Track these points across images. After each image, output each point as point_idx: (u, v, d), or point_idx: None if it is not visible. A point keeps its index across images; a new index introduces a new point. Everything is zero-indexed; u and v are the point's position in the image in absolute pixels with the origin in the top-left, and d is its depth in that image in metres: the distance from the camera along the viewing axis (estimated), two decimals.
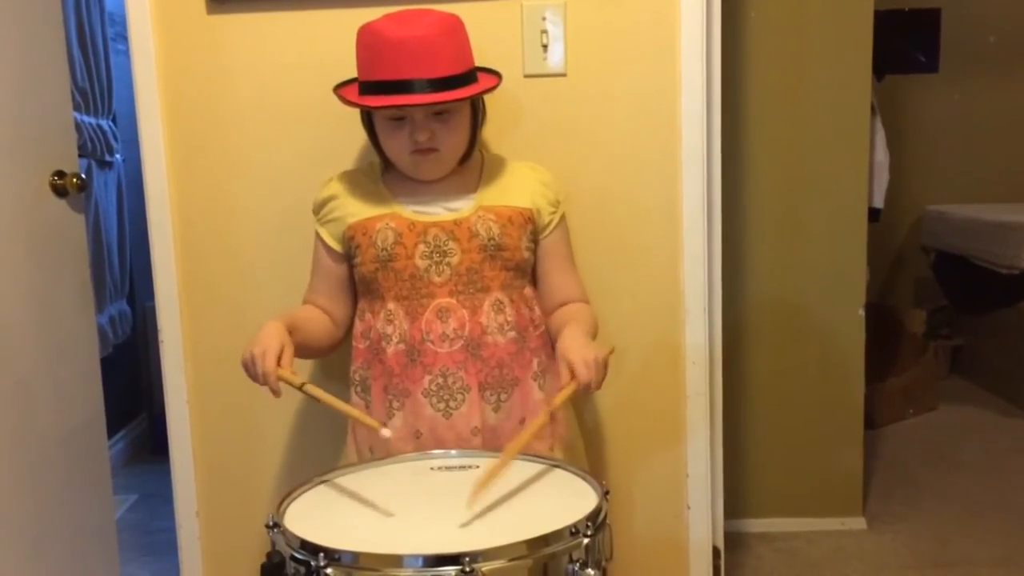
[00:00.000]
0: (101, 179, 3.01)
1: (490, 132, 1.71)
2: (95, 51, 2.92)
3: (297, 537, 1.09)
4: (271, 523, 1.14)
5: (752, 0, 2.44)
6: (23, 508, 1.73)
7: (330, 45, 1.74)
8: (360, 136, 1.74)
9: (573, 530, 1.09)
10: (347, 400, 1.56)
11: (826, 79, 2.47)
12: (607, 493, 1.19)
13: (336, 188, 1.56)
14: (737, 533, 2.54)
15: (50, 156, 1.84)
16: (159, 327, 1.82)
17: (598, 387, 1.36)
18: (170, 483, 1.86)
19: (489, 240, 1.48)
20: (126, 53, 1.78)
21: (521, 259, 1.52)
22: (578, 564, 1.08)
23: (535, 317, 1.55)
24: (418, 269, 1.47)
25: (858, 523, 2.61)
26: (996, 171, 4.10)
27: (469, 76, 1.46)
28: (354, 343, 1.55)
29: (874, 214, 2.71)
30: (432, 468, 1.35)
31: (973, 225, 3.70)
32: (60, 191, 1.84)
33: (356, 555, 1.05)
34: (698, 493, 1.82)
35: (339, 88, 1.51)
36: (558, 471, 1.31)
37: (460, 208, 1.51)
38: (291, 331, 1.41)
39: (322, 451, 1.81)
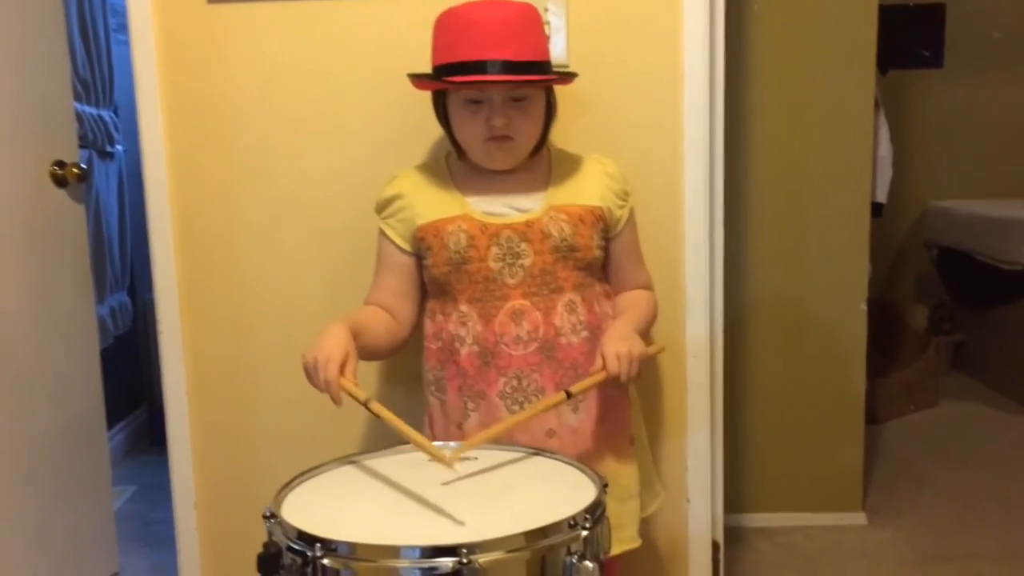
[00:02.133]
0: (102, 170, 3.00)
1: None
2: (96, 41, 2.91)
3: (294, 527, 1.09)
4: (268, 513, 1.14)
5: None
6: (23, 498, 1.74)
7: (331, 37, 1.73)
8: (364, 129, 1.74)
9: (571, 522, 1.08)
10: (423, 400, 1.56)
11: (830, 73, 2.46)
12: (606, 486, 1.18)
13: (402, 186, 1.53)
14: (737, 527, 2.54)
15: (50, 146, 1.83)
16: (158, 318, 1.82)
17: (628, 381, 1.37)
18: (169, 474, 1.86)
19: (562, 241, 1.47)
20: (127, 44, 1.78)
21: (593, 258, 1.50)
22: (576, 557, 1.07)
23: (608, 313, 1.54)
24: (491, 271, 1.46)
25: (858, 518, 2.60)
26: (999, 167, 4.09)
27: (547, 65, 1.46)
28: (426, 343, 1.54)
29: (877, 209, 2.71)
30: (430, 460, 1.34)
31: (975, 221, 3.69)
32: (60, 181, 1.84)
33: (353, 546, 1.04)
34: (698, 487, 1.81)
35: (416, 81, 1.49)
36: (557, 463, 1.31)
37: (531, 208, 1.49)
38: (356, 335, 1.37)
39: (320, 442, 1.81)
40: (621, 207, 1.55)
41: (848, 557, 2.42)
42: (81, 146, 2.38)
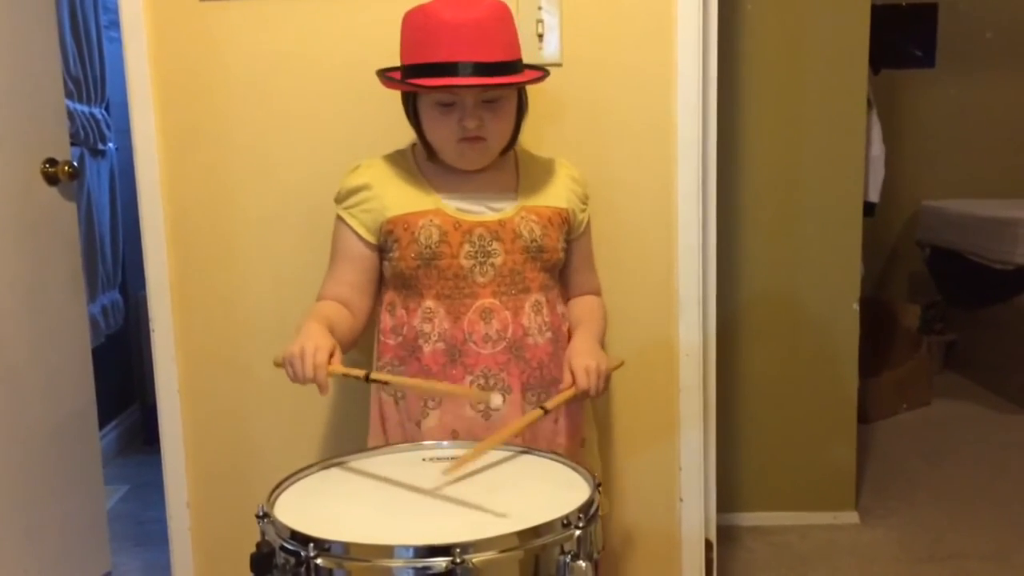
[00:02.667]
0: (94, 167, 2.99)
1: None
2: (88, 39, 2.90)
3: (287, 527, 1.08)
4: (261, 513, 1.13)
5: None
6: (14, 497, 1.73)
7: (324, 32, 1.73)
8: (356, 124, 1.73)
9: (565, 522, 1.08)
10: (375, 396, 1.55)
11: (822, 73, 2.47)
12: (599, 485, 1.18)
13: (368, 176, 1.50)
14: (729, 526, 2.54)
15: (42, 144, 1.83)
16: (150, 317, 1.81)
17: (597, 395, 1.39)
18: (161, 473, 1.85)
19: (532, 241, 1.47)
20: (119, 41, 1.77)
21: (558, 259, 1.52)
22: (570, 556, 1.07)
23: (565, 314, 1.55)
24: (462, 269, 1.45)
25: (851, 517, 2.61)
26: (991, 167, 4.10)
27: (519, 64, 1.45)
28: (382, 338, 1.51)
29: (869, 208, 2.71)
30: (424, 459, 1.34)
31: (968, 220, 3.70)
32: (51, 179, 1.83)
33: (346, 545, 1.04)
34: (691, 486, 1.82)
35: (381, 74, 1.48)
36: (551, 462, 1.30)
37: (503, 208, 1.49)
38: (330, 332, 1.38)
39: (313, 441, 1.81)
40: (583, 211, 1.57)
41: (841, 556, 2.43)
42: (73, 144, 2.37)
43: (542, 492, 1.22)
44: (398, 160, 1.54)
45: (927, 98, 4.12)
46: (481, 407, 1.45)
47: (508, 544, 1.04)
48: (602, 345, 1.54)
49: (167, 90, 1.76)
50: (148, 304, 1.81)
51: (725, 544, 2.42)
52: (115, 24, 2.93)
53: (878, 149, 2.79)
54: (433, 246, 1.45)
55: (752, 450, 2.57)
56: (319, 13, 1.72)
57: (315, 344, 1.31)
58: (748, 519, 2.59)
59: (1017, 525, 2.56)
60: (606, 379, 1.40)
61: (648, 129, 1.73)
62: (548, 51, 1.70)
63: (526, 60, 1.69)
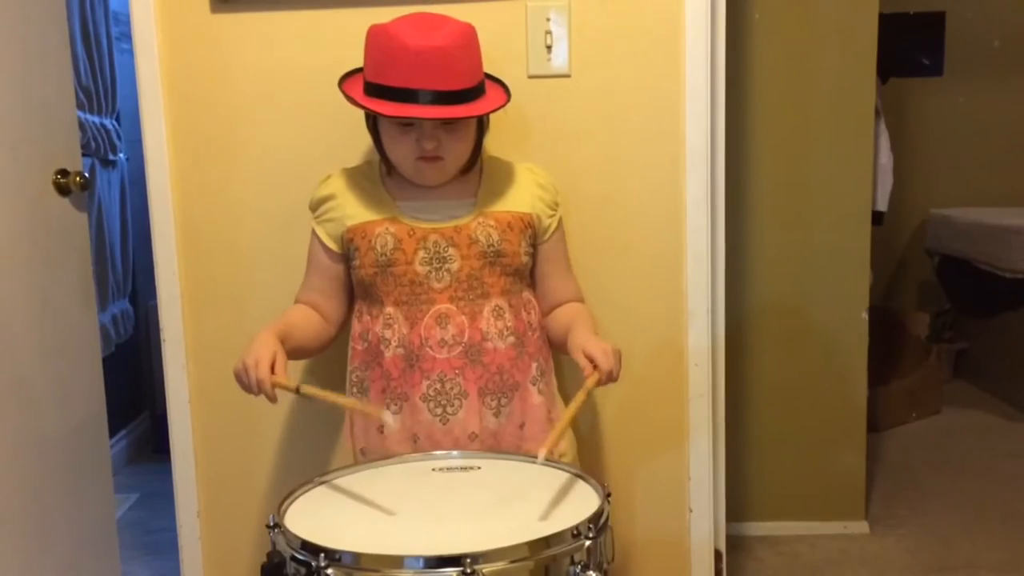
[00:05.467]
0: (104, 178, 3.01)
1: (493, 133, 1.70)
2: (99, 50, 2.92)
3: (298, 537, 1.09)
4: (272, 523, 1.14)
5: (756, 2, 2.43)
6: (24, 506, 1.73)
7: (334, 44, 1.74)
8: (364, 136, 1.73)
9: (575, 532, 1.08)
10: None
11: (830, 82, 2.47)
12: (609, 495, 1.18)
13: (335, 187, 1.55)
14: (739, 536, 2.53)
15: (53, 155, 1.84)
16: (161, 326, 1.82)
17: (618, 377, 1.38)
18: (171, 482, 1.86)
19: (489, 247, 1.48)
20: (130, 52, 1.78)
21: (520, 264, 1.52)
22: (580, 566, 1.07)
23: (532, 321, 1.55)
24: (418, 275, 1.47)
25: (861, 527, 2.60)
26: (1000, 175, 4.09)
27: (479, 88, 1.46)
28: (352, 344, 1.55)
29: (877, 217, 2.71)
30: (433, 469, 1.34)
31: (977, 229, 3.69)
32: (63, 190, 1.84)
33: (357, 556, 1.04)
34: (700, 495, 1.81)
35: (343, 81, 1.51)
36: (560, 472, 1.30)
37: (460, 214, 1.50)
38: (284, 339, 1.42)
39: (323, 451, 1.81)
40: (551, 216, 1.57)
41: (850, 566, 2.42)
42: (84, 154, 2.39)
43: (552, 502, 1.21)
44: (364, 170, 1.58)
45: (935, 106, 4.11)
46: (438, 411, 1.46)
47: (518, 554, 1.04)
48: None
49: (178, 101, 1.77)
50: (159, 313, 1.82)
51: (734, 554, 2.41)
52: (126, 35, 2.96)
53: (886, 158, 2.79)
54: (388, 253, 1.47)
55: (761, 459, 2.57)
56: (329, 25, 1.73)
57: (255, 358, 1.34)
58: (758, 528, 2.58)
59: None
60: (621, 360, 1.39)
61: (656, 138, 1.74)
62: (556, 62, 1.71)
63: (535, 72, 1.72)
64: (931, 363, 3.59)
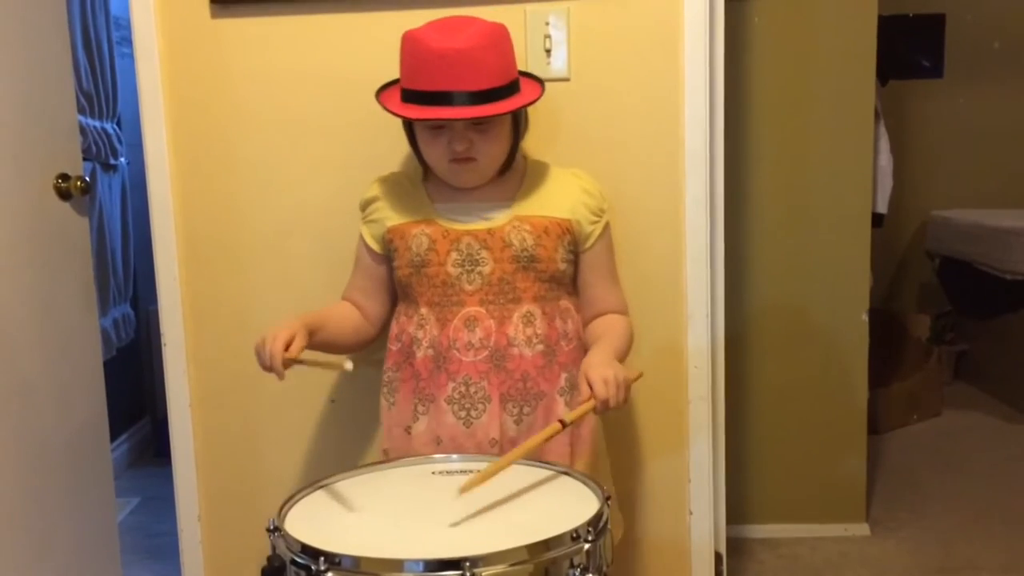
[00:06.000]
0: (105, 182, 3.01)
1: None
2: (100, 55, 2.92)
3: (297, 541, 1.09)
4: (272, 527, 1.14)
5: (756, 5, 2.44)
6: (26, 510, 1.74)
7: (334, 50, 1.74)
8: (366, 141, 1.74)
9: (574, 535, 1.08)
10: (376, 402, 1.58)
11: (830, 84, 2.47)
12: (608, 498, 1.19)
13: (378, 190, 1.58)
14: (740, 539, 2.53)
15: (54, 159, 1.84)
16: (162, 331, 1.82)
17: (617, 407, 1.35)
18: (172, 486, 1.86)
19: (522, 251, 1.47)
20: (131, 56, 1.79)
21: (556, 271, 1.50)
22: (579, 569, 1.07)
23: (568, 331, 1.52)
24: (450, 276, 1.48)
25: (861, 529, 2.60)
26: (1001, 177, 4.09)
27: (511, 87, 1.45)
28: (388, 345, 1.56)
29: (877, 219, 2.71)
30: (433, 472, 1.34)
31: (977, 230, 3.69)
32: (64, 194, 1.84)
33: (356, 559, 1.05)
34: (700, 498, 1.81)
35: (382, 90, 1.51)
36: (557, 474, 1.31)
37: (495, 217, 1.50)
38: (314, 329, 1.44)
39: (325, 455, 1.81)
40: (593, 223, 1.54)
41: (851, 568, 2.42)
42: (85, 159, 2.39)
43: (551, 505, 1.22)
44: (408, 173, 1.60)
45: (935, 108, 4.11)
46: (462, 414, 1.46)
47: (518, 557, 1.04)
48: (621, 362, 1.49)
49: (179, 106, 1.77)
50: (160, 318, 1.82)
51: (735, 556, 2.41)
52: (127, 40, 2.97)
53: (886, 160, 2.79)
54: (422, 254, 1.48)
55: (762, 462, 2.57)
56: (330, 30, 1.74)
57: (273, 334, 1.37)
58: (758, 531, 2.58)
59: None
60: (625, 390, 1.36)
61: (656, 141, 1.74)
62: (555, 66, 1.71)
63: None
64: (932, 365, 3.59)
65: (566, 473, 1.31)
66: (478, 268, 1.47)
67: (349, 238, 1.77)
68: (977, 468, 3.07)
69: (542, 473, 1.31)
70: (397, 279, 1.53)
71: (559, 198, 1.53)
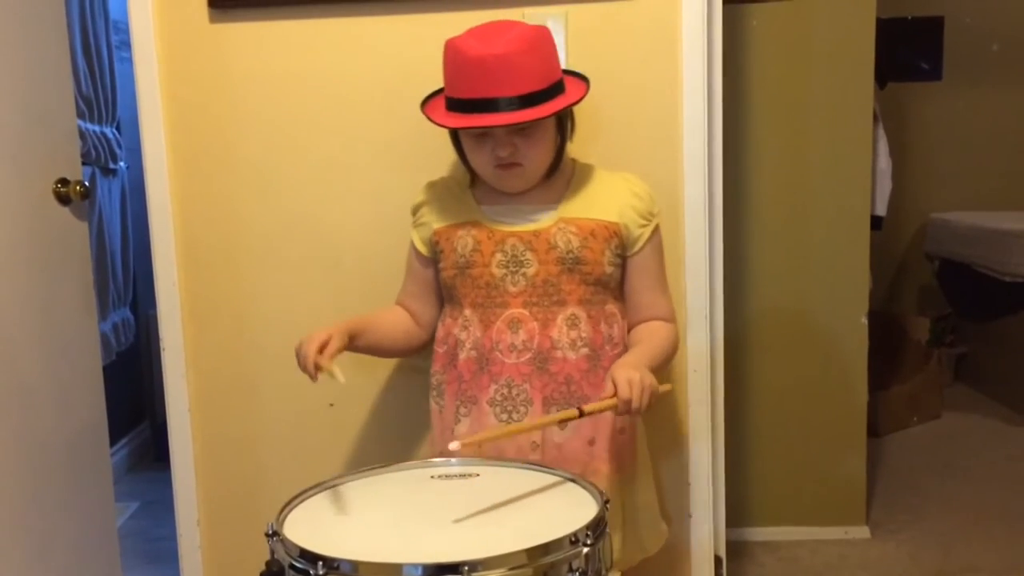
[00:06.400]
0: (105, 186, 3.02)
1: None
2: (99, 59, 2.92)
3: (296, 545, 1.09)
4: (270, 531, 1.14)
5: (754, 8, 2.44)
6: (25, 515, 1.74)
7: (331, 54, 1.75)
8: (364, 144, 1.75)
9: (573, 539, 1.08)
10: (427, 404, 1.59)
11: (828, 87, 2.47)
12: (608, 502, 1.18)
13: (427, 194, 1.59)
14: (739, 542, 2.53)
15: (54, 164, 1.84)
16: (160, 335, 1.82)
17: (639, 410, 1.33)
18: (172, 491, 1.86)
19: (568, 253, 1.47)
20: (131, 61, 1.79)
21: (602, 274, 1.49)
22: (578, 573, 1.07)
23: (614, 335, 1.51)
24: (494, 278, 1.48)
25: (862, 532, 2.60)
26: (1000, 179, 4.09)
27: (553, 89, 1.43)
28: (435, 347, 1.57)
29: (876, 222, 2.71)
30: (432, 476, 1.34)
31: (976, 233, 3.69)
32: (63, 199, 1.84)
33: (355, 564, 1.05)
34: (700, 501, 1.81)
35: (429, 100, 1.51)
36: (556, 478, 1.31)
37: (541, 219, 1.50)
38: (357, 333, 1.46)
39: (323, 459, 1.81)
40: (642, 227, 1.51)
41: (851, 571, 2.41)
42: (84, 163, 2.40)
43: (551, 509, 1.22)
44: (456, 177, 1.60)
45: (934, 111, 4.12)
46: (504, 416, 1.46)
47: (517, 561, 1.04)
48: (660, 371, 1.48)
49: (177, 110, 1.78)
50: (159, 322, 1.82)
51: (735, 560, 2.41)
52: (126, 44, 2.96)
53: (885, 162, 2.80)
54: (467, 255, 1.49)
55: (762, 465, 2.57)
56: (327, 35, 1.74)
57: (310, 336, 1.40)
58: (758, 534, 2.58)
59: None
60: (650, 396, 1.34)
61: (654, 144, 1.74)
62: None
63: None
64: (931, 367, 3.59)
65: (565, 476, 1.31)
66: (523, 270, 1.47)
67: (349, 241, 1.78)
68: (977, 470, 3.07)
69: (542, 477, 1.31)
70: (442, 281, 1.54)
71: (607, 201, 1.51)
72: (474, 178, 1.55)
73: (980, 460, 3.16)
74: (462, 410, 1.49)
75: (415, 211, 1.59)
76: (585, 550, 1.08)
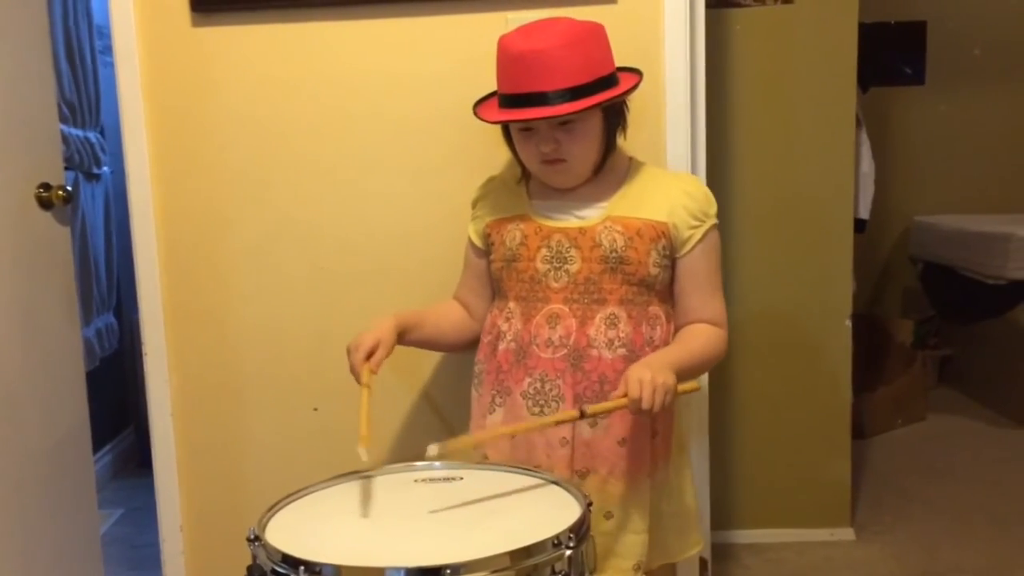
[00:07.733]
0: (88, 191, 3.00)
1: (480, 141, 1.71)
2: (83, 63, 2.91)
3: (278, 551, 1.09)
4: (252, 536, 1.14)
5: (737, 13, 2.45)
6: (7, 521, 1.72)
7: (314, 58, 1.74)
8: (349, 148, 1.75)
9: (556, 542, 1.08)
10: (468, 393, 1.59)
11: (811, 91, 2.48)
12: (590, 504, 1.19)
13: (484, 188, 1.62)
14: (725, 544, 2.54)
15: (36, 168, 1.83)
16: (143, 340, 1.82)
17: (651, 410, 1.31)
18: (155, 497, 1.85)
19: (611, 252, 1.46)
20: (114, 65, 1.78)
21: (646, 275, 1.47)
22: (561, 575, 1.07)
23: (655, 337, 1.48)
24: (538, 272, 1.49)
25: (847, 533, 2.60)
26: (983, 182, 4.12)
27: (598, 84, 1.42)
28: (481, 337, 1.58)
29: (860, 225, 2.72)
30: (415, 480, 1.34)
31: (960, 236, 3.71)
32: (45, 203, 1.84)
33: (337, 568, 1.04)
34: None
35: (485, 100, 1.52)
36: (539, 481, 1.31)
37: (589, 216, 1.50)
38: (409, 328, 1.49)
39: (306, 464, 1.80)
40: (693, 227, 1.48)
41: (837, 572, 2.42)
42: (67, 168, 2.38)
43: (534, 512, 1.22)
44: (513, 172, 1.60)
45: (917, 115, 4.14)
46: (536, 410, 1.46)
47: (499, 564, 1.04)
48: (694, 373, 1.47)
49: (160, 115, 1.77)
50: (141, 328, 1.81)
51: (721, 562, 2.42)
52: (109, 49, 2.95)
53: (868, 166, 2.81)
54: (514, 248, 1.51)
55: (747, 467, 2.57)
56: (309, 38, 1.74)
57: (356, 343, 1.43)
58: (744, 536, 2.59)
59: (1013, 540, 2.56)
60: (663, 395, 1.31)
61: (637, 149, 1.73)
62: None
63: None
64: (916, 370, 3.60)
65: (548, 479, 1.31)
66: (566, 266, 1.48)
67: (333, 247, 1.78)
68: (961, 472, 3.08)
69: (524, 480, 1.31)
70: (492, 273, 1.56)
71: (657, 200, 1.49)
72: (527, 173, 1.56)
73: (964, 462, 3.18)
74: (497, 400, 1.50)
75: (473, 206, 1.62)
76: (568, 552, 1.08)
